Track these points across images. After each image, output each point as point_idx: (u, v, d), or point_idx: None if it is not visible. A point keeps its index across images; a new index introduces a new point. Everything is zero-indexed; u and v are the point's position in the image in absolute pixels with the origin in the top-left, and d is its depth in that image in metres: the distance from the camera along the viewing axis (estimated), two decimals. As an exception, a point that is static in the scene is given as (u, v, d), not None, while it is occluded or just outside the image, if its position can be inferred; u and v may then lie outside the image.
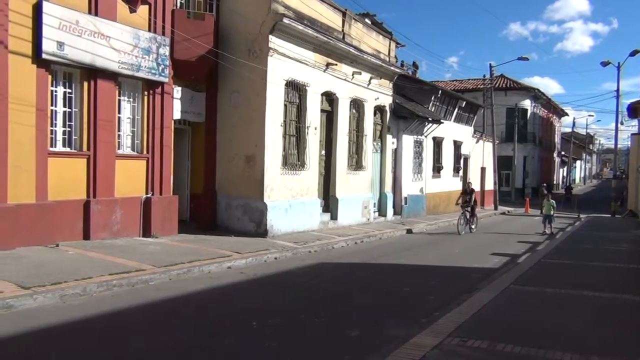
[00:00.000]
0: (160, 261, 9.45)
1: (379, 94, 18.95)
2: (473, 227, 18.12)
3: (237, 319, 6.77)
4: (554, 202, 19.23)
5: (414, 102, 22.83)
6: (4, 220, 9.59)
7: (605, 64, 32.95)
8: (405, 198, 21.57)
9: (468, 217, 17.84)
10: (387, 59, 19.21)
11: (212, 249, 11.17)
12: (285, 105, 14.39)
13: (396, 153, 21.23)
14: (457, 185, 27.44)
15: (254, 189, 13.71)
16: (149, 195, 12.28)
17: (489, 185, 31.94)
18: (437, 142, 24.66)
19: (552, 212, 18.81)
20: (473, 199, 17.96)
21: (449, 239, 16.71)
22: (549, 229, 18.61)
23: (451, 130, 26.13)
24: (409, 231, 17.56)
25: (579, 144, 68.91)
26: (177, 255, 10.12)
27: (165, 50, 12.26)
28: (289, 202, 14.37)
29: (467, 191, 18.29)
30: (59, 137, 10.83)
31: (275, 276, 9.67)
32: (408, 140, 21.80)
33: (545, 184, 34.00)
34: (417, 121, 21.40)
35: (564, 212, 29.71)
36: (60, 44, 10.22)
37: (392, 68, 19.36)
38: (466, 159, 28.72)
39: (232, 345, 5.77)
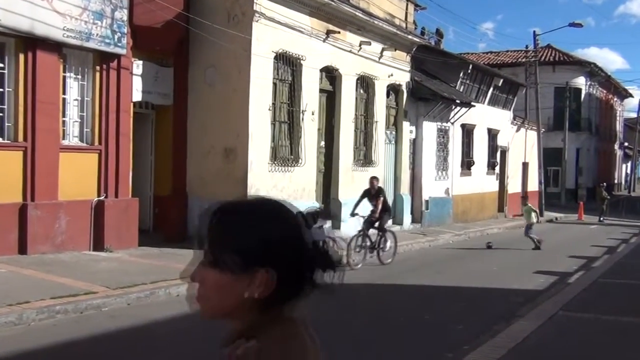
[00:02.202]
0: (116, 281, 9.44)
1: (394, 69, 18.94)
2: (384, 253, 13.43)
3: (213, 357, 6.76)
4: (534, 207, 18.38)
5: (438, 80, 22.83)
6: None
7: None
8: (427, 202, 21.57)
9: (376, 237, 13.34)
10: (404, 25, 19.21)
11: (182, 266, 10.98)
12: (275, 84, 14.38)
13: (415, 144, 21.23)
14: (492, 185, 27.46)
15: (235, 190, 13.68)
16: (101, 198, 12.27)
17: (533, 185, 31.95)
18: (467, 131, 24.68)
19: (534, 220, 17.87)
20: (381, 205, 13.27)
21: (480, 253, 16.70)
22: (536, 241, 17.42)
23: (485, 116, 26.13)
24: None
25: (647, 132, 68.92)
26: (137, 274, 10.11)
27: (123, 14, 12.24)
28: (280, 207, 14.37)
29: (371, 192, 13.54)
30: (-12, 124, 10.82)
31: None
32: (430, 128, 21.81)
33: (603, 184, 34.06)
34: (441, 104, 21.41)
35: (626, 220, 29.74)
36: (-11, 6, 10.19)
37: (409, 37, 19.35)
38: (504, 152, 28.73)
39: (206, 387, 5.76)
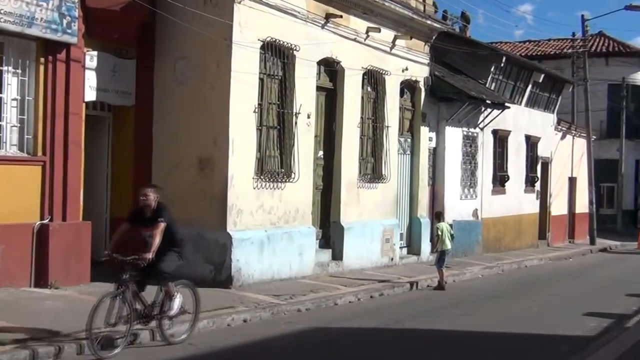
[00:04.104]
0: (64, 326, 9.38)
1: (409, 62, 18.99)
2: (172, 323, 9.73)
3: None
4: (448, 226, 16.94)
5: (464, 76, 22.89)
6: None
7: None
8: (450, 226, 21.53)
9: (157, 295, 9.59)
10: (422, 7, 19.27)
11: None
12: (262, 80, 14.40)
13: (435, 155, 21.24)
14: (531, 205, 27.42)
15: (211, 212, 13.67)
16: (45, 221, 12.21)
17: (582, 205, 31.94)
18: (500, 138, 24.71)
19: (449, 245, 16.34)
20: (160, 236, 9.25)
21: (517, 290, 16.66)
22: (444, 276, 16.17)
23: (522, 120, 26.17)
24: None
25: None
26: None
27: (74, -6, 12.30)
28: (267, 233, 14.35)
29: (144, 214, 9.58)
30: None
31: (243, 350, 9.61)
32: (454, 135, 21.85)
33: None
34: (468, 105, 21.45)
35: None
36: None
37: (428, 22, 19.41)
38: (546, 165, 28.74)
39: None
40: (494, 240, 24.25)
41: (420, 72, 19.66)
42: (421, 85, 19.83)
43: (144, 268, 9.17)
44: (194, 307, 9.97)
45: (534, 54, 37.89)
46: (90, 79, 13.11)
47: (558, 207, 30.10)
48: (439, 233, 16.37)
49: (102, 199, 14.25)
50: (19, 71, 12.13)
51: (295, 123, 15.06)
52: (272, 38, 14.37)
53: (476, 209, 23.10)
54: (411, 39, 18.85)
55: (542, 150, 28.06)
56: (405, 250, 19.67)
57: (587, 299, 15.42)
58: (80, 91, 12.81)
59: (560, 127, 30.07)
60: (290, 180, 14.97)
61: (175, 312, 9.57)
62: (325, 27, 15.87)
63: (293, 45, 14.90)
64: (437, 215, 17.56)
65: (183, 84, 14.04)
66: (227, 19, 13.41)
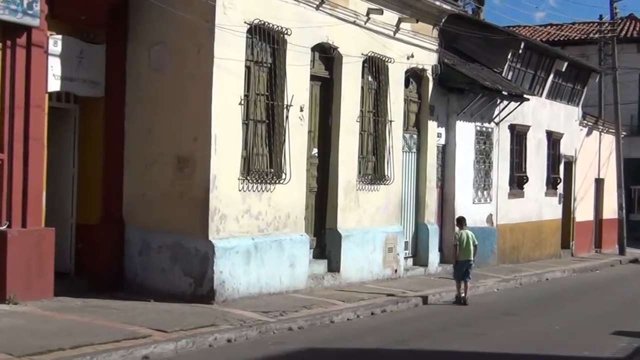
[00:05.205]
0: (22, 346, 9.34)
1: (415, 48, 18.99)
2: None
3: None
4: (471, 234, 16.76)
5: (477, 64, 22.91)
6: None
7: None
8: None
9: None
10: (429, -14, 19.31)
11: (116, 324, 11.07)
12: (248, 68, 14.39)
13: (445, 153, 21.25)
14: (553, 210, 27.43)
15: (191, 217, 13.63)
16: (2, 228, 12.17)
17: (610, 210, 31.96)
18: (518, 135, 24.74)
19: (472, 257, 16.62)
20: None
21: (537, 306, 16.65)
22: (463, 291, 16.32)
23: (543, 114, 26.20)
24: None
25: None
26: (51, 336, 10.01)
27: (35, -30, 12.28)
28: (255, 241, 14.32)
29: None
30: None
31: (227, 373, 9.61)
32: (466, 131, 21.86)
33: None
34: (482, 97, 21.47)
35: None
36: None
37: (437, 3, 19.40)
38: (569, 164, 28.76)
39: None
40: (510, 250, 24.26)
41: (427, 59, 19.67)
42: (429, 74, 19.84)
43: None
44: None
45: (556, 39, 37.94)
46: (54, 67, 13.08)
47: (583, 212, 30.12)
48: (457, 243, 16.47)
49: (67, 203, 14.20)
50: (-27, 58, 12.14)
51: (287, 117, 15.05)
52: (260, 20, 14.34)
53: (491, 215, 23.11)
54: (417, 22, 18.85)
55: (565, 148, 28.09)
56: (410, 261, 19.66)
57: (616, 316, 15.43)
58: (43, 80, 12.78)
59: (585, 122, 30.09)
60: (281, 182, 14.96)
61: None
62: (321, 8, 15.85)
63: (284, 29, 14.88)
64: (458, 221, 17.49)
65: (159, 72, 14.00)
66: (209, -2, 13.41)
